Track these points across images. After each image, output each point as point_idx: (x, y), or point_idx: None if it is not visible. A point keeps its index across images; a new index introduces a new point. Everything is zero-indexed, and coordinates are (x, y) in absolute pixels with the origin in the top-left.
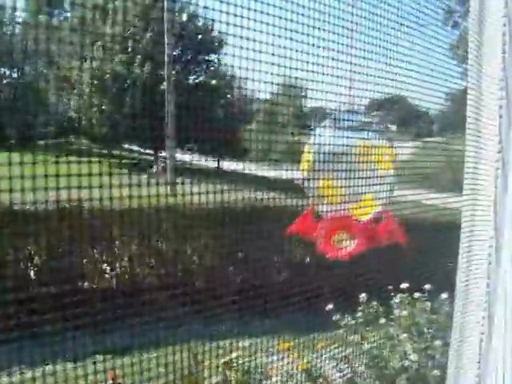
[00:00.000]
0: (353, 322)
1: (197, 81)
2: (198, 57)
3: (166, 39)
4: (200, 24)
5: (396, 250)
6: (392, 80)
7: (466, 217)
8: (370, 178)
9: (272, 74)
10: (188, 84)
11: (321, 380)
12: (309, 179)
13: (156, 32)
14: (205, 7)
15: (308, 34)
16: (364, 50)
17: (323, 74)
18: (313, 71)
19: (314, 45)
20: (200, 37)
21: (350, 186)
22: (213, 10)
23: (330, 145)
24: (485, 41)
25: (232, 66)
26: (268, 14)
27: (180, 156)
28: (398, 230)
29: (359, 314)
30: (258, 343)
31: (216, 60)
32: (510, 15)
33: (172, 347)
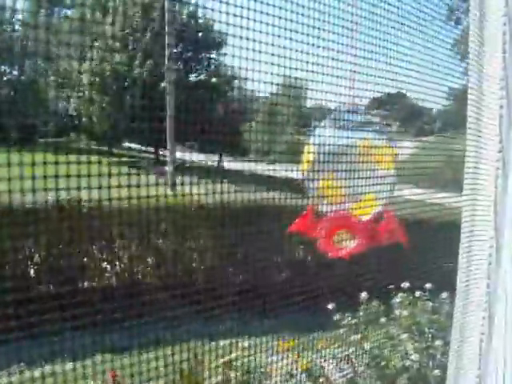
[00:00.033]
0: (353, 321)
1: (197, 79)
2: (198, 54)
3: (166, 37)
4: (201, 21)
5: (396, 250)
6: (392, 80)
7: (466, 217)
8: (370, 177)
9: (272, 73)
10: (189, 82)
11: (321, 380)
12: (309, 179)
13: (156, 29)
14: (204, 7)
15: (308, 34)
16: (364, 50)
17: (323, 74)
18: (313, 71)
19: (313, 44)
20: (201, 34)
21: (350, 187)
22: (212, 10)
23: (330, 144)
24: (485, 40)
25: (232, 67)
26: (268, 13)
27: (180, 154)
28: (398, 229)
29: (360, 313)
30: (259, 343)
31: (217, 58)
32: (510, 14)
33: (172, 347)
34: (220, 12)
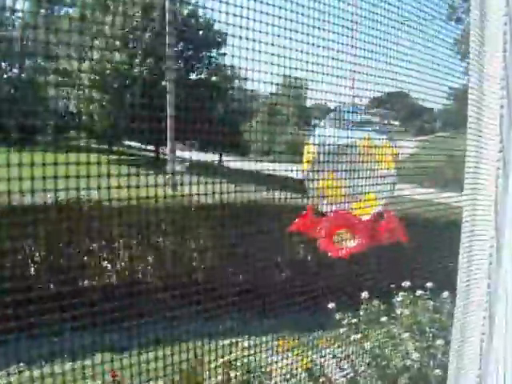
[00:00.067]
0: (354, 320)
1: (198, 77)
2: (199, 53)
3: (166, 35)
4: (201, 20)
5: (397, 249)
6: (393, 80)
7: (466, 216)
8: (370, 177)
9: (272, 73)
10: (189, 80)
11: (322, 379)
12: (309, 178)
13: (157, 28)
14: (204, 7)
15: (308, 34)
16: (365, 50)
17: (323, 73)
18: (313, 71)
19: (313, 44)
20: (201, 32)
21: (350, 186)
22: (212, 10)
23: (330, 144)
24: (486, 39)
25: (232, 66)
26: (268, 13)
27: (180, 152)
28: (399, 228)
29: (360, 312)
30: (259, 342)
31: (217, 57)
32: (511, 14)
33: (172, 347)
34: (220, 12)
